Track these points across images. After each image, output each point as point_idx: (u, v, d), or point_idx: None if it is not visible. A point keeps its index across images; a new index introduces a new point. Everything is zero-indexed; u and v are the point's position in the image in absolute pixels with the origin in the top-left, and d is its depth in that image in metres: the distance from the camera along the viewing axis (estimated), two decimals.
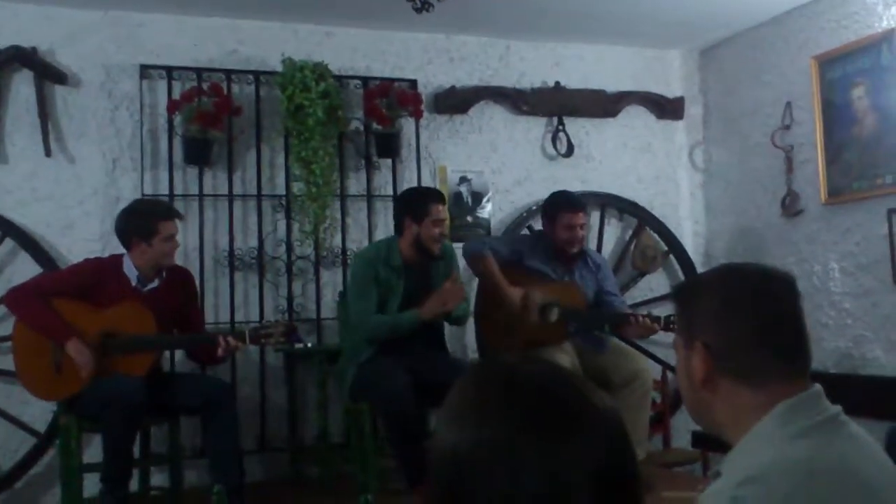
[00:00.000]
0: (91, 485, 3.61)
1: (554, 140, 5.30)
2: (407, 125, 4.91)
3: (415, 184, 4.91)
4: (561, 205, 4.36)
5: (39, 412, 4.17)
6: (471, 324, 4.43)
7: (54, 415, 3.96)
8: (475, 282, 4.47)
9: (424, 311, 3.85)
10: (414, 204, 4.04)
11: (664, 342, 4.81)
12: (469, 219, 5.15)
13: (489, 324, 4.32)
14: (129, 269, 3.68)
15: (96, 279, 3.66)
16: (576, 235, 4.28)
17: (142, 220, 3.68)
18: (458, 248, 4.39)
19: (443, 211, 3.99)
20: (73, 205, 4.44)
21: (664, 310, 4.38)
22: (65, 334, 3.53)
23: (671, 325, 3.88)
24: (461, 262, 4.35)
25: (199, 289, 4.42)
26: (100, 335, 3.57)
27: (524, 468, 0.87)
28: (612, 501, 0.89)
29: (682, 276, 5.37)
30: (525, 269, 4.27)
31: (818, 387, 1.34)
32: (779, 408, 1.29)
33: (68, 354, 3.52)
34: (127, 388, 3.42)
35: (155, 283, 3.73)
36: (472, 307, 4.29)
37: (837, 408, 1.32)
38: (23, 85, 4.38)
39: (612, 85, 5.44)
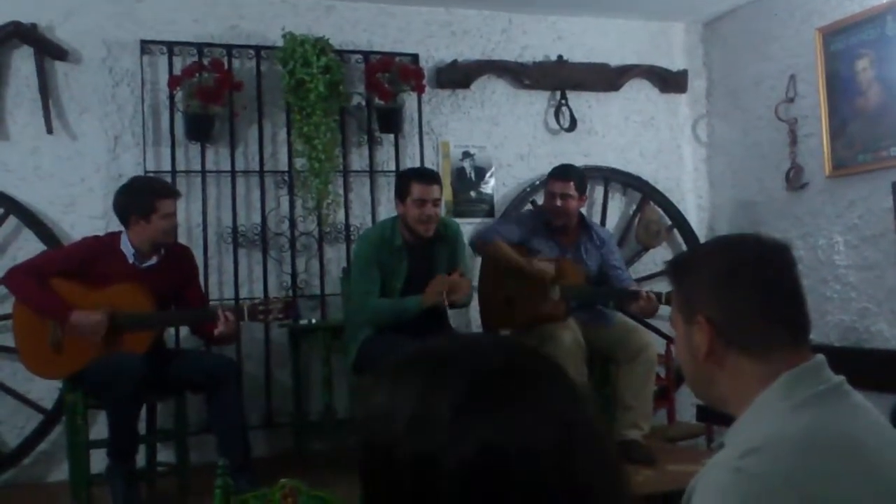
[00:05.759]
0: (98, 461, 3.63)
1: (557, 114, 5.27)
2: (409, 100, 4.88)
3: (417, 159, 4.89)
4: (550, 174, 4.38)
5: (46, 389, 4.18)
6: (475, 303, 4.42)
7: (60, 392, 3.97)
8: (478, 261, 4.46)
9: (426, 298, 3.82)
10: (399, 183, 4.00)
11: (668, 316, 4.80)
12: (472, 194, 5.13)
13: (491, 303, 4.32)
14: (126, 247, 3.67)
15: (92, 257, 3.65)
16: (555, 205, 4.25)
17: (141, 198, 3.65)
18: (462, 223, 4.38)
19: (427, 191, 3.83)
20: (76, 182, 4.43)
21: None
22: (64, 310, 3.51)
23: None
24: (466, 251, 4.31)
25: (201, 265, 4.41)
26: (107, 311, 3.56)
27: (460, 439, 0.80)
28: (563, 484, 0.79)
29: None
30: (526, 247, 4.27)
31: (821, 357, 1.33)
32: (781, 378, 1.29)
33: (71, 331, 3.51)
34: (128, 365, 3.42)
35: (153, 261, 3.71)
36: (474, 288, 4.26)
37: (840, 378, 1.32)
38: (23, 61, 4.36)
39: (615, 58, 5.40)
